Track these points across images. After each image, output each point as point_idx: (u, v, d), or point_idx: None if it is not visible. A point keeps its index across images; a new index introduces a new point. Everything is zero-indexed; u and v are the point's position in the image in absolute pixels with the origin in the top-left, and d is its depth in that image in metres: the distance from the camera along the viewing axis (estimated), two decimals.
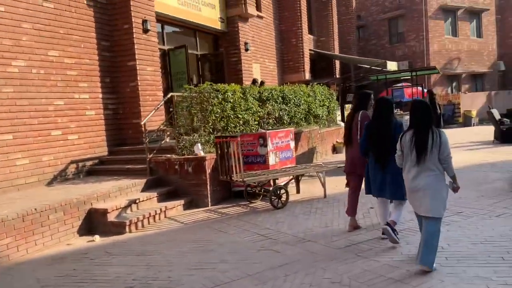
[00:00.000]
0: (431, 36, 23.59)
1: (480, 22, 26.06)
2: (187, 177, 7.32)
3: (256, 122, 8.98)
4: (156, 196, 7.03)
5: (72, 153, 8.00)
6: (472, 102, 22.15)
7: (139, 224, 6.20)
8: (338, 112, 15.82)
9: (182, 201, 7.11)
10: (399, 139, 4.04)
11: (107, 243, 5.62)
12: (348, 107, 18.40)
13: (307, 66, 17.03)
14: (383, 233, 4.72)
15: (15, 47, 7.03)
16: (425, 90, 16.55)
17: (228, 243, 5.12)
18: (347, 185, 5.45)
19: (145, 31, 8.98)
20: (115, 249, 5.29)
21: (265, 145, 7.51)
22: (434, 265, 3.75)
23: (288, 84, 12.18)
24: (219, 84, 8.19)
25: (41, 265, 4.92)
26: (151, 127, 8.43)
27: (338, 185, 7.79)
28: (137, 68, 8.77)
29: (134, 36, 8.73)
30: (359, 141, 4.94)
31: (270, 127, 9.25)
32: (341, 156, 12.08)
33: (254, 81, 12.22)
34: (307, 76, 17.00)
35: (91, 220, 6.21)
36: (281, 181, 7.45)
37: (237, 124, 8.36)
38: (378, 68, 17.32)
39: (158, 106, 8.48)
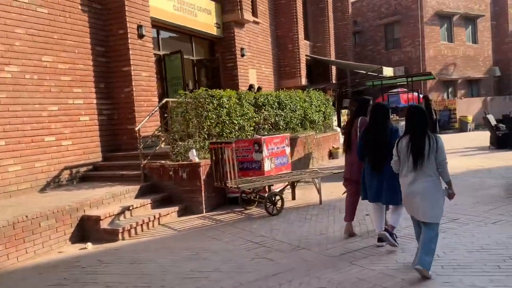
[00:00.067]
0: (427, 42, 23.70)
1: (476, 28, 26.21)
2: (182, 184, 7.25)
3: (252, 128, 8.94)
4: (150, 203, 6.96)
5: (65, 159, 7.92)
6: (468, 107, 22.23)
7: (132, 231, 6.13)
8: (335, 118, 15.83)
9: (176, 208, 7.04)
10: (395, 144, 4.06)
11: (99, 250, 5.55)
12: (344, 112, 18.46)
13: (303, 72, 17.04)
14: (378, 241, 4.70)
15: (8, 52, 6.97)
16: (421, 96, 16.58)
17: (222, 251, 5.06)
18: (346, 191, 5.42)
19: (140, 36, 8.94)
20: (108, 257, 5.22)
21: (260, 151, 7.46)
22: (430, 272, 3.72)
23: (285, 89, 12.17)
24: (214, 89, 8.16)
25: (31, 273, 4.83)
26: (146, 132, 8.37)
27: (334, 191, 7.75)
28: (132, 73, 8.72)
29: (129, 41, 8.68)
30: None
31: (266, 133, 9.21)
32: (337, 162, 12.07)
33: (251, 87, 12.17)
34: (304, 81, 17.01)
35: (83, 227, 6.13)
36: (276, 188, 7.40)
37: (233, 130, 8.31)
38: (374, 74, 17.36)
39: (153, 111, 8.43)
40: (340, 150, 13.56)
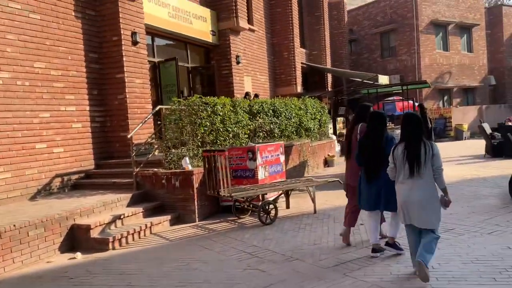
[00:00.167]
0: (423, 50, 23.79)
1: (471, 37, 26.36)
2: (174, 192, 7.16)
3: (246, 136, 8.87)
4: (142, 211, 6.85)
5: (57, 166, 7.81)
6: (464, 116, 22.28)
7: (123, 240, 6.01)
8: (330, 125, 15.78)
9: (168, 217, 6.93)
10: (391, 152, 4.09)
11: (88, 260, 5.43)
12: (340, 120, 18.43)
13: (299, 79, 17.02)
14: (372, 251, 4.64)
15: None
16: (416, 104, 16.58)
17: (214, 261, 4.95)
18: (347, 195, 5.37)
19: (134, 43, 8.89)
20: (96, 267, 5.10)
21: (254, 159, 7.38)
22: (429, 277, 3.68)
23: (280, 97, 12.12)
24: (208, 97, 8.09)
25: (18, 284, 4.71)
26: (139, 140, 8.28)
27: (328, 199, 7.68)
28: (126, 80, 8.64)
29: (123, 48, 8.62)
30: None
31: (261, 141, 9.14)
32: (333, 170, 12.01)
33: (247, 95, 12.12)
34: (299, 89, 16.98)
35: (73, 236, 6.01)
36: (270, 196, 7.32)
37: (227, 137, 8.24)
38: (370, 82, 17.36)
39: (146, 119, 8.34)
40: (336, 158, 13.52)
